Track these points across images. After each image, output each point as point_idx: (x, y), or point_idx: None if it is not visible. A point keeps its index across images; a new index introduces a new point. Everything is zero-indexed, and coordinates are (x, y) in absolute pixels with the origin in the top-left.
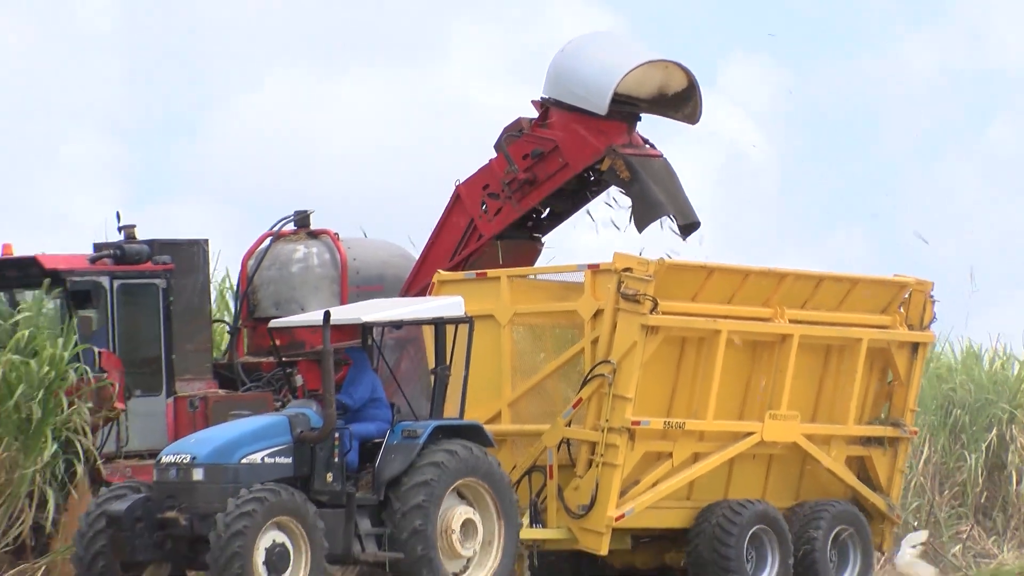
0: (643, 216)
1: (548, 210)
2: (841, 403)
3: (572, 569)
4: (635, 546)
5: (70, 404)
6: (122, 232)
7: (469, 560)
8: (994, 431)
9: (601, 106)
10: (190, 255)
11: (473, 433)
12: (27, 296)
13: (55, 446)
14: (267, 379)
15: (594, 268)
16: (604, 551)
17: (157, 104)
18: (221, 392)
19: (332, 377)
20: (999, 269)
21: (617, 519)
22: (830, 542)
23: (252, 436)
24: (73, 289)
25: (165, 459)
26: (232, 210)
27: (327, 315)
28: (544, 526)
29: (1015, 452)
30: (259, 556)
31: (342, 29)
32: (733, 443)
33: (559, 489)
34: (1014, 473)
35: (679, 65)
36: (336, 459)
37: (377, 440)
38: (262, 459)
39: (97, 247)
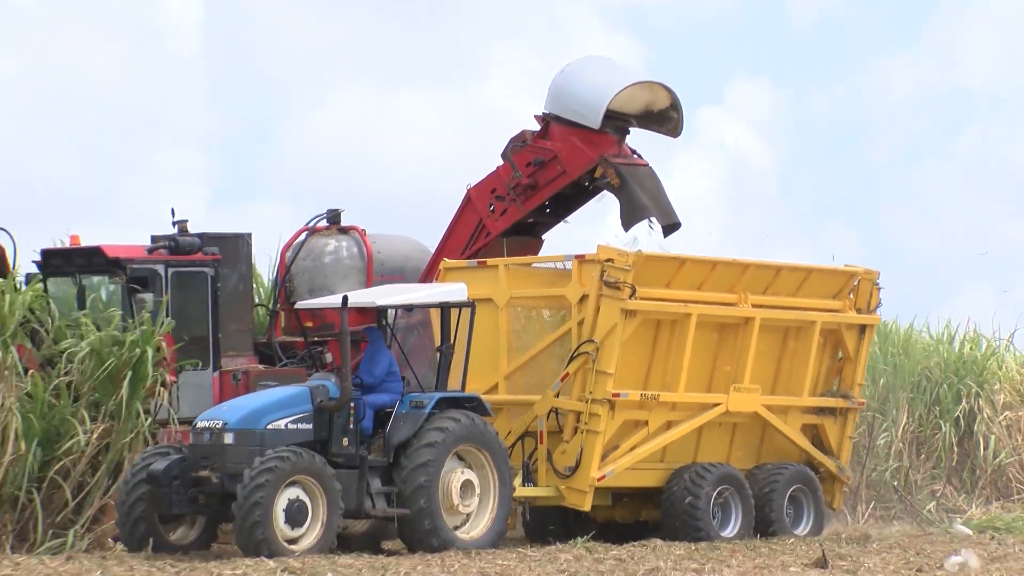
0: (629, 217)
1: (548, 210)
2: (797, 378)
3: (561, 522)
4: (615, 502)
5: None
6: (176, 226)
7: (468, 516)
8: (963, 403)
9: (595, 121)
10: (235, 247)
11: (473, 404)
12: (93, 281)
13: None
14: (301, 356)
15: (580, 258)
16: (587, 507)
17: (236, 117)
18: (261, 367)
19: (349, 353)
20: (968, 260)
21: (599, 480)
22: (786, 500)
23: (277, 405)
24: (132, 276)
25: (200, 424)
26: (300, 209)
27: (345, 299)
28: (535, 485)
29: (982, 422)
30: (279, 509)
31: (398, 53)
32: (701, 413)
33: (548, 453)
34: (981, 440)
35: (663, 86)
36: (351, 426)
37: (389, 410)
38: (285, 425)
39: (154, 239)
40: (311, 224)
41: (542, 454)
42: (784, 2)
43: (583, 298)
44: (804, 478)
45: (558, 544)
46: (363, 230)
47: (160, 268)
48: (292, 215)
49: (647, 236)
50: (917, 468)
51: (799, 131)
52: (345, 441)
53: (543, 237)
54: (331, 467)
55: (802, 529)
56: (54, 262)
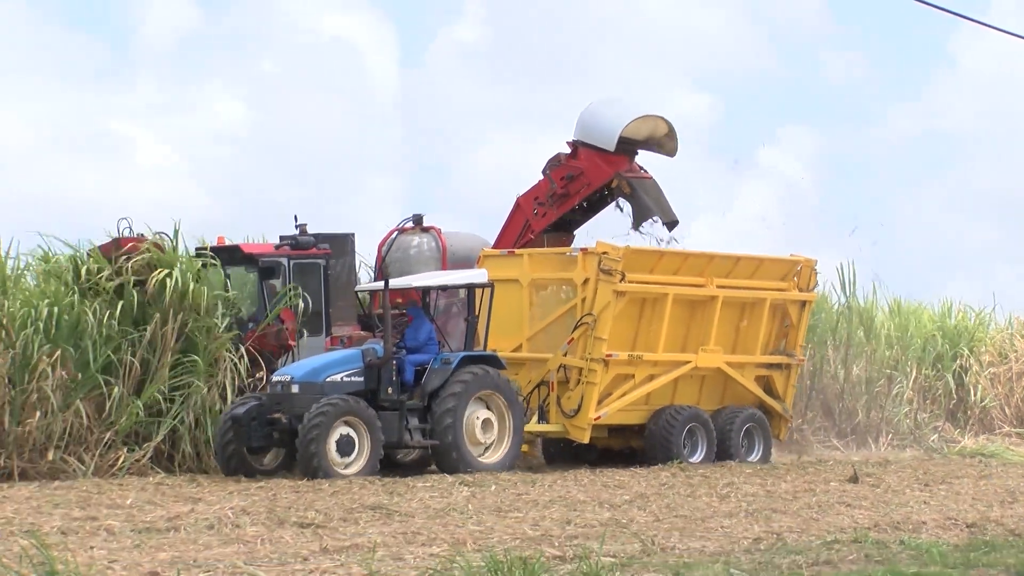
0: (638, 217)
1: (577, 214)
2: (751, 341)
3: (571, 450)
4: (610, 435)
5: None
6: (298, 228)
7: (489, 446)
8: (958, 361)
9: (610, 145)
10: (343, 244)
11: (491, 360)
12: (235, 271)
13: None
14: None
15: (584, 251)
16: (586, 440)
17: (423, 154)
18: (362, 332)
19: (390, 323)
20: (956, 255)
21: (595, 419)
22: (742, 434)
23: (335, 362)
24: (262, 267)
25: (275, 378)
26: (464, 223)
27: (386, 282)
28: (547, 422)
29: (972, 375)
30: (332, 442)
31: (532, 111)
32: (676, 368)
33: (557, 398)
34: (971, 389)
35: (663, 118)
36: (394, 378)
37: (426, 366)
38: (341, 378)
39: (281, 239)
40: (400, 225)
41: (553, 399)
42: (819, 66)
43: (585, 281)
44: (756, 418)
45: (660, 465)
46: (439, 229)
47: (284, 260)
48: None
49: (658, 232)
50: (924, 410)
51: (832, 162)
52: (389, 390)
53: (574, 233)
54: (378, 410)
55: (754, 456)
56: (205, 258)
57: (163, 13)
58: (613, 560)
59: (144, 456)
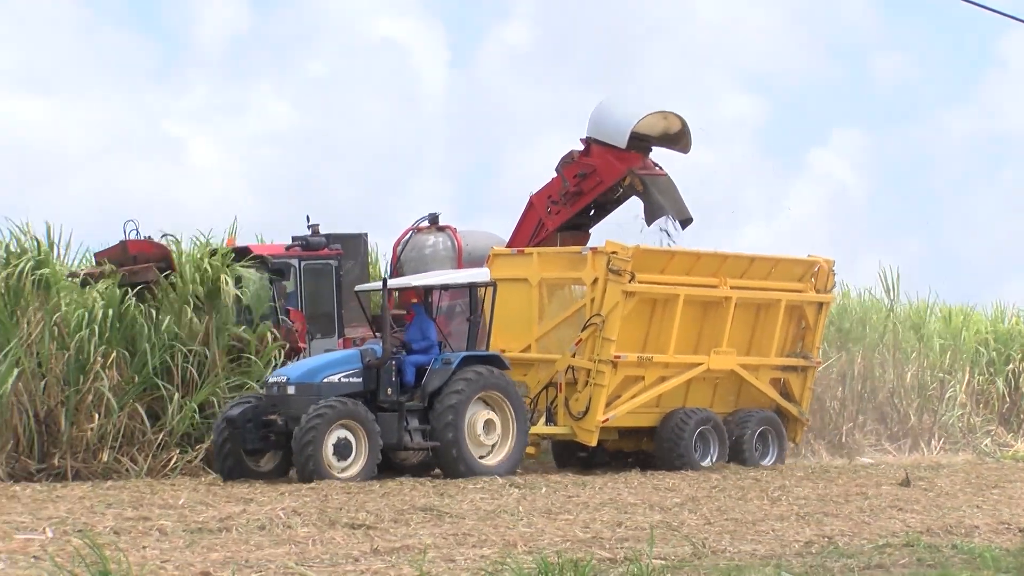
0: (651, 215)
1: (593, 211)
2: (766, 343)
3: (583, 453)
4: (621, 437)
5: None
6: (310, 229)
7: (492, 447)
8: (1010, 365)
9: (622, 142)
10: (355, 244)
11: (494, 360)
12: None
13: None
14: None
15: (594, 250)
16: (593, 443)
17: (467, 156)
18: (376, 335)
19: (388, 324)
20: (1010, 258)
21: (603, 422)
22: (755, 437)
23: (333, 363)
24: (272, 267)
25: (271, 379)
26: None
27: (385, 282)
28: (555, 424)
29: None
30: (329, 445)
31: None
32: (688, 370)
33: (565, 400)
34: None
35: (676, 114)
36: (394, 379)
37: (427, 366)
38: (339, 379)
39: (293, 239)
40: (416, 224)
41: (561, 400)
42: (871, 68)
43: (595, 281)
44: (770, 420)
45: (711, 463)
46: (455, 228)
47: (294, 262)
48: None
49: (673, 232)
50: (977, 414)
51: (882, 164)
52: (389, 391)
53: (590, 231)
54: (378, 411)
55: (768, 460)
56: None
57: (214, 15)
58: (664, 563)
59: (196, 457)
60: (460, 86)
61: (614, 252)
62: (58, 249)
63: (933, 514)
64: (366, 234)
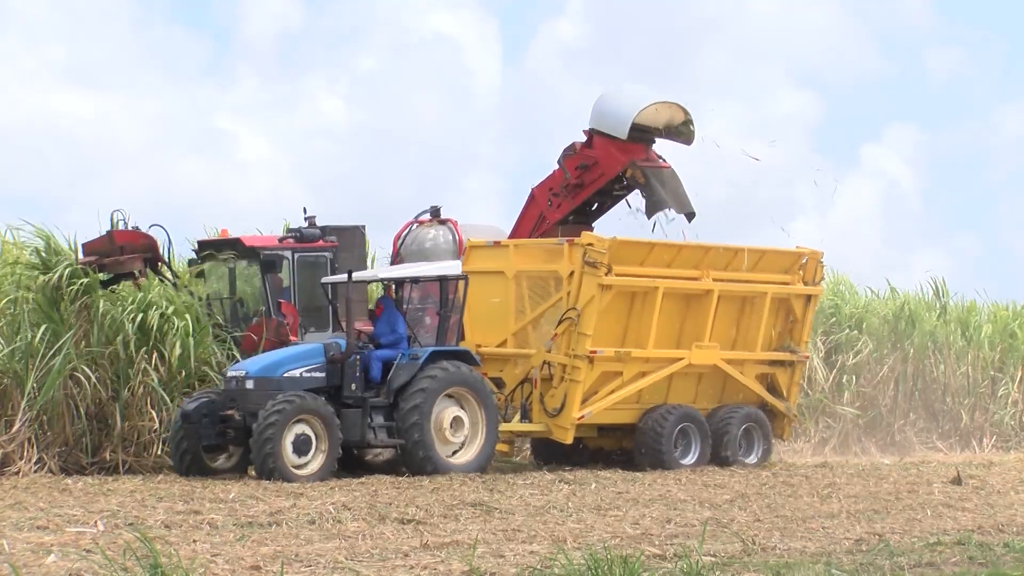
0: (652, 208)
1: (596, 204)
2: (752, 337)
3: (562, 450)
4: (600, 434)
5: None
6: (307, 221)
7: (461, 445)
8: None
9: (623, 133)
10: (352, 237)
11: (463, 356)
12: (239, 264)
13: None
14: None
15: (570, 242)
16: (569, 440)
17: (521, 153)
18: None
19: (352, 317)
20: None
21: (579, 419)
22: (740, 433)
23: (295, 357)
24: (264, 260)
25: (230, 373)
26: None
27: (350, 274)
28: (531, 421)
29: None
30: (288, 442)
31: None
32: (669, 365)
33: (540, 396)
34: None
35: (679, 105)
36: (358, 374)
37: (394, 361)
38: (300, 374)
39: (288, 231)
40: (418, 217)
41: (536, 397)
42: (924, 64)
43: (571, 273)
44: (755, 417)
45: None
46: (456, 221)
47: (288, 254)
48: None
49: (667, 223)
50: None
51: (936, 161)
52: (353, 386)
53: (592, 225)
54: (343, 407)
55: (752, 458)
56: (207, 251)
57: (265, 10)
58: (713, 559)
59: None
60: (512, 82)
61: (590, 244)
62: None
63: (985, 512)
64: (363, 226)
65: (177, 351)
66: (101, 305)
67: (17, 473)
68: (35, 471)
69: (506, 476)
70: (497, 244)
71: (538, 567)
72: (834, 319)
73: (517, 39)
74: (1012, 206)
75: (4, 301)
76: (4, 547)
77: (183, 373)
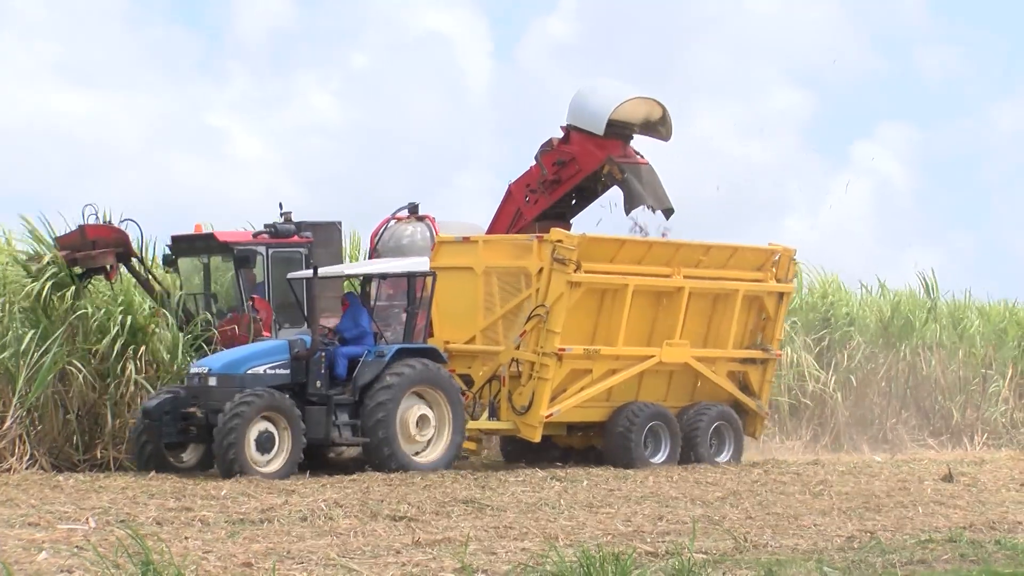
0: (629, 204)
1: (574, 201)
2: (723, 334)
3: (532, 449)
4: (570, 433)
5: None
6: (282, 216)
7: (427, 443)
8: None
9: (599, 129)
10: (328, 232)
11: (430, 353)
12: (214, 260)
13: None
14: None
15: (539, 238)
16: (537, 439)
17: (514, 150)
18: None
19: (317, 314)
20: None
21: (546, 417)
22: (711, 432)
23: (258, 354)
24: (238, 255)
25: (192, 370)
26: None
27: (315, 269)
28: (498, 419)
29: None
30: (251, 439)
31: None
32: (639, 363)
33: (509, 394)
34: None
35: (657, 100)
36: (323, 371)
37: (360, 358)
38: (264, 371)
39: (265, 226)
40: (395, 213)
41: (504, 394)
42: (917, 62)
43: (541, 270)
44: (726, 415)
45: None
46: (433, 218)
47: (262, 249)
48: None
49: (650, 219)
50: (1020, 409)
51: (929, 159)
52: (318, 383)
53: (571, 222)
54: (307, 405)
55: (723, 457)
56: (181, 246)
57: (257, 8)
58: (705, 557)
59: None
60: (504, 79)
61: (559, 240)
62: None
63: (976, 510)
64: (340, 222)
65: (164, 354)
66: (90, 309)
67: (8, 470)
68: (26, 468)
69: (498, 473)
70: (466, 240)
71: (530, 564)
72: (830, 314)
73: (508, 36)
74: (1007, 204)
75: None
76: None
77: (175, 368)
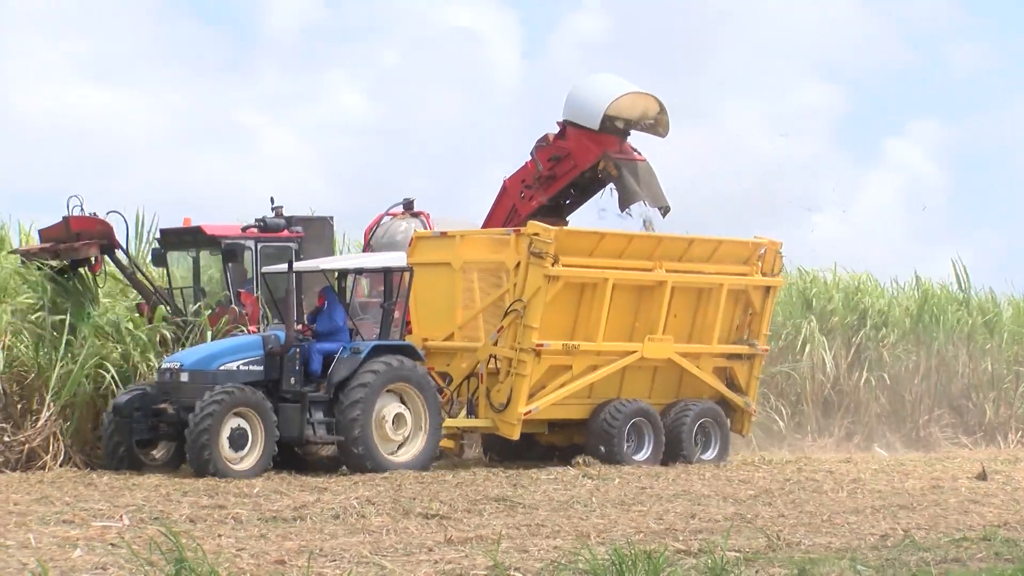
0: (624, 200)
1: (570, 198)
2: (708, 329)
3: (513, 447)
4: (551, 430)
5: None
6: (273, 211)
7: (402, 442)
8: None
9: (595, 124)
10: (319, 228)
11: (406, 350)
12: (203, 254)
13: None
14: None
15: (516, 232)
16: (515, 437)
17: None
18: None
19: (293, 310)
20: None
21: (525, 414)
22: (695, 429)
23: (231, 350)
24: (226, 249)
25: (164, 365)
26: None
27: (291, 265)
28: (476, 416)
29: None
30: (224, 435)
31: None
32: (621, 359)
33: (487, 391)
34: None
35: (654, 96)
36: (297, 367)
37: (336, 355)
38: (237, 367)
39: (256, 221)
40: (389, 210)
41: (482, 391)
42: (948, 58)
43: (518, 264)
44: (712, 412)
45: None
46: (428, 214)
47: (251, 244)
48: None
49: (655, 218)
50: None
51: (959, 154)
52: (292, 380)
53: (567, 218)
54: (281, 402)
55: (709, 455)
56: (170, 239)
57: (287, 5)
58: (738, 555)
59: None
60: (533, 76)
61: (535, 234)
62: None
63: (1010, 508)
64: (331, 217)
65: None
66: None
67: (43, 467)
68: (60, 465)
69: (529, 471)
70: (443, 235)
71: (562, 562)
72: (865, 309)
73: (537, 33)
74: None
75: (23, 297)
76: (31, 541)
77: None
